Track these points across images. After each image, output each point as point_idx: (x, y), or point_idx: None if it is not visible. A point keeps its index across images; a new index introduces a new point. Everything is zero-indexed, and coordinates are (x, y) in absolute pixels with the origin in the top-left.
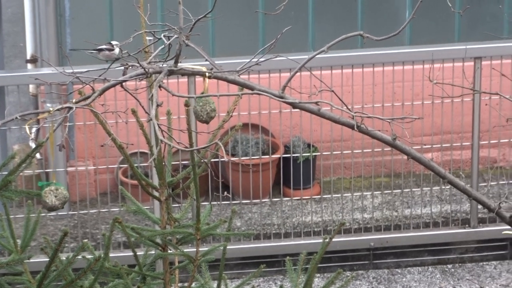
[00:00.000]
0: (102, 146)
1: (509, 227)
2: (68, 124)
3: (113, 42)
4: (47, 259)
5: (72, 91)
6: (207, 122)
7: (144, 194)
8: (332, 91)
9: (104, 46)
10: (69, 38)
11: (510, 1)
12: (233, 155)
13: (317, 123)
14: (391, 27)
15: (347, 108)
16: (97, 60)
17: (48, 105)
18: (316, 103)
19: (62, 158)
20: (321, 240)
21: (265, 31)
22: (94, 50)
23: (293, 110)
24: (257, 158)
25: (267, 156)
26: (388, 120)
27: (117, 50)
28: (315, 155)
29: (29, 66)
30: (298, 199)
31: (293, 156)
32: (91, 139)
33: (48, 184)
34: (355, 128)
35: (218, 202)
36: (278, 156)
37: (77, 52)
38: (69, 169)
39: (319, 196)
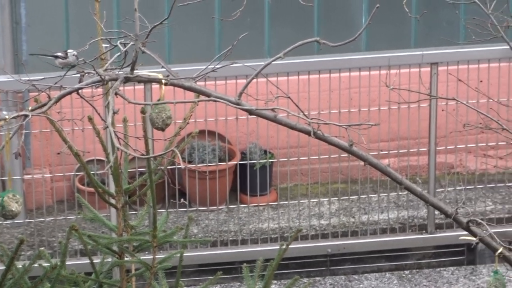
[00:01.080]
0: (58, 153)
1: (466, 232)
2: (24, 131)
3: (69, 51)
4: (3, 268)
5: (28, 98)
6: (162, 130)
7: (100, 201)
8: (289, 97)
9: (59, 54)
10: (25, 46)
11: (466, 7)
12: (189, 162)
13: (274, 130)
14: (347, 33)
15: (304, 114)
16: (54, 68)
17: (4, 112)
18: (273, 109)
19: (18, 166)
20: (278, 247)
21: (222, 37)
22: (51, 56)
23: (249, 116)
24: (214, 165)
25: (224, 163)
26: (345, 127)
27: (71, 58)
28: (272, 162)
29: None
30: (255, 206)
31: (250, 163)
32: (47, 147)
33: (5, 193)
34: (312, 135)
35: (175, 209)
36: (235, 162)
37: (33, 59)
38: (26, 177)
39: (276, 203)
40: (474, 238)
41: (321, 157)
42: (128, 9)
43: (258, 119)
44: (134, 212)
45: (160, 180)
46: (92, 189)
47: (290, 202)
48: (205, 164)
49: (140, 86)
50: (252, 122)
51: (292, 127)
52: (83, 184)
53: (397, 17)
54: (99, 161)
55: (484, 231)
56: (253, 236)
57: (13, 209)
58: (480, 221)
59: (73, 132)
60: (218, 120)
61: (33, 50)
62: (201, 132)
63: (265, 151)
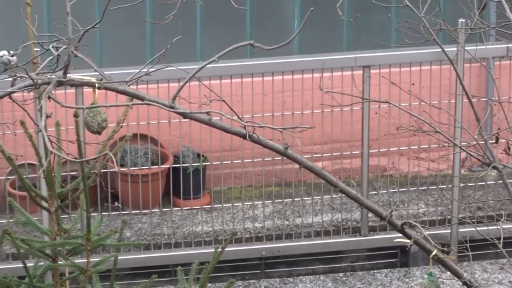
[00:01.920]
0: None
1: (400, 235)
2: None
3: (11, 52)
4: None
5: None
6: (99, 133)
7: (32, 205)
8: (223, 100)
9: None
10: None
11: (398, 10)
12: (122, 166)
13: (207, 133)
14: (279, 36)
15: (239, 117)
16: None
17: None
18: (207, 113)
19: None
20: (212, 250)
21: (153, 41)
22: None
23: (182, 120)
24: (146, 168)
25: (157, 166)
26: (280, 129)
27: (15, 58)
28: (205, 165)
29: None
30: (188, 209)
31: (183, 166)
32: None
33: None
34: (247, 138)
35: (108, 213)
36: (168, 166)
37: None
38: None
39: (209, 206)
40: (408, 241)
41: (255, 160)
42: (58, 12)
43: (191, 122)
44: (66, 216)
45: (92, 184)
46: (23, 193)
47: (224, 205)
48: (138, 168)
49: (72, 90)
50: (185, 125)
51: (227, 131)
52: (14, 188)
53: (329, 21)
54: (30, 165)
55: (419, 234)
56: (186, 239)
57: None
58: (414, 223)
59: (4, 136)
60: (150, 123)
61: None
62: (134, 136)
63: (198, 155)
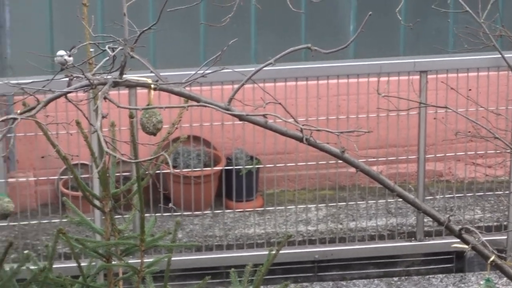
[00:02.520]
0: (42, 157)
1: (457, 240)
2: (8, 135)
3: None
4: None
5: (14, 102)
6: (154, 134)
7: (84, 205)
8: (280, 103)
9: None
10: (9, 49)
11: (456, 16)
12: (174, 167)
13: (260, 136)
14: (334, 40)
15: (295, 121)
16: (37, 71)
17: None
18: (264, 115)
19: (3, 169)
20: (264, 252)
21: (207, 43)
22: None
23: (235, 122)
24: (198, 170)
25: (209, 168)
26: (338, 133)
27: (71, 59)
28: (258, 168)
29: None
30: (240, 211)
31: (236, 169)
32: (31, 151)
33: None
34: (304, 141)
35: (160, 214)
36: (220, 168)
37: (18, 63)
38: (10, 180)
39: (262, 208)
40: (466, 246)
41: (309, 163)
42: (111, 13)
43: (245, 124)
44: (118, 216)
45: (145, 185)
46: (76, 193)
47: (277, 208)
48: (190, 169)
49: (125, 91)
50: (238, 127)
51: (283, 133)
52: (67, 188)
53: (385, 25)
54: (83, 165)
55: (476, 239)
56: (238, 242)
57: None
58: (472, 229)
59: (58, 136)
60: (203, 125)
61: (17, 54)
62: (187, 137)
63: (251, 157)
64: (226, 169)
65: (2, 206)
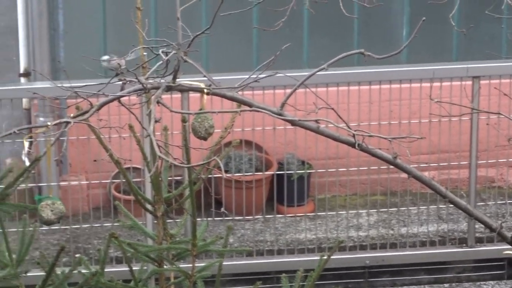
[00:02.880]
0: (95, 161)
1: (510, 247)
2: (61, 138)
3: (114, 56)
4: (42, 273)
5: (66, 105)
6: (205, 139)
7: (136, 209)
8: (332, 108)
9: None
10: (62, 52)
11: (509, 21)
12: (226, 172)
13: (312, 140)
14: (387, 45)
15: (347, 126)
16: (90, 74)
17: (42, 119)
18: (316, 121)
19: (55, 173)
20: (315, 258)
21: (260, 47)
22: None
23: (287, 127)
24: (250, 175)
25: (261, 173)
26: (390, 139)
27: (124, 62)
28: (310, 173)
29: (22, 80)
30: (292, 216)
31: (287, 173)
32: (83, 154)
33: (43, 199)
34: (356, 147)
35: (211, 218)
36: (272, 173)
37: (70, 66)
38: (62, 183)
39: (313, 214)
40: None
41: (360, 168)
42: (165, 17)
43: (296, 129)
44: (170, 221)
45: (197, 189)
46: (128, 197)
47: (328, 213)
48: (242, 174)
49: (178, 95)
50: (290, 132)
51: (335, 139)
52: (119, 192)
53: (438, 30)
54: (135, 169)
55: None
56: (289, 247)
57: (44, 215)
58: None
59: (110, 140)
60: (255, 130)
61: (70, 57)
62: (239, 142)
63: (303, 162)
64: (277, 174)
65: (58, 209)
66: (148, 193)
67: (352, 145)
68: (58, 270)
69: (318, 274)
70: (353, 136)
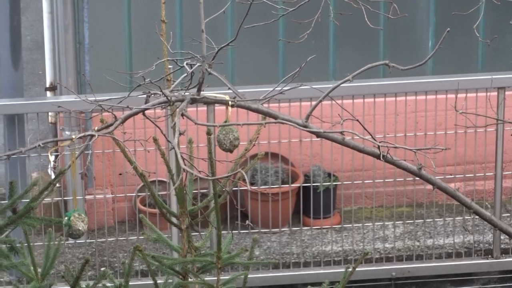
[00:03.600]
0: (120, 174)
1: None
2: (86, 152)
3: None
4: (67, 287)
5: (91, 117)
6: (230, 151)
7: (161, 222)
8: (357, 120)
9: None
10: (88, 66)
11: None
12: (252, 184)
13: (338, 152)
14: (413, 56)
15: (372, 137)
16: (115, 87)
17: (67, 133)
18: (341, 132)
19: (80, 186)
20: (341, 270)
21: (285, 59)
22: None
23: (313, 139)
24: (276, 187)
25: (287, 185)
26: (415, 150)
27: None
28: (336, 185)
29: (48, 93)
30: (318, 229)
31: (313, 185)
32: (109, 167)
33: (72, 212)
34: (381, 158)
35: (237, 231)
36: (298, 185)
37: (96, 79)
38: (87, 197)
39: (339, 226)
40: None
41: (386, 180)
42: (190, 30)
43: (323, 141)
44: (195, 234)
45: (223, 202)
46: (153, 210)
47: (354, 225)
48: (268, 186)
49: (203, 108)
50: (316, 144)
51: (360, 150)
52: (144, 205)
53: (463, 41)
54: (160, 182)
55: None
56: (316, 259)
57: (80, 228)
58: None
59: (135, 153)
60: (281, 142)
61: (96, 70)
62: (265, 154)
63: (329, 174)
64: (303, 186)
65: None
66: (174, 206)
67: (377, 156)
68: (83, 284)
69: (343, 286)
70: (378, 147)
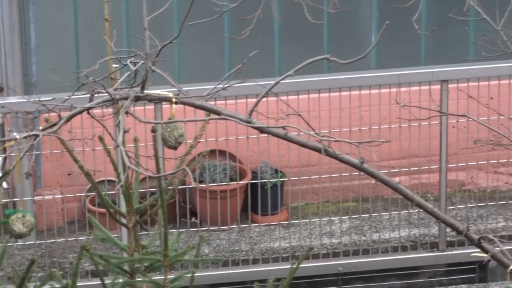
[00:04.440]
0: (69, 174)
1: (478, 249)
2: (35, 152)
3: None
4: None
5: (36, 117)
6: (175, 148)
7: (111, 222)
8: (299, 115)
9: None
10: (35, 67)
11: (476, 24)
12: (200, 182)
13: (285, 148)
14: (357, 51)
15: (314, 132)
16: (64, 88)
17: (15, 134)
18: (283, 127)
19: (29, 187)
20: (288, 266)
21: (231, 56)
22: None
23: (260, 135)
24: (224, 185)
25: (235, 183)
26: (356, 144)
27: None
28: (283, 181)
29: None
30: (266, 225)
31: (261, 182)
32: (58, 168)
33: (15, 212)
34: (323, 152)
35: (186, 229)
36: (246, 182)
37: (43, 80)
38: (36, 198)
39: (287, 222)
40: (485, 255)
41: (332, 175)
42: (137, 28)
43: (269, 138)
44: (144, 233)
45: (171, 200)
46: (103, 210)
47: (301, 221)
48: (216, 184)
49: (151, 106)
50: (263, 141)
51: (303, 145)
52: (94, 205)
53: (407, 35)
54: (110, 181)
55: (496, 248)
56: (264, 256)
57: (16, 229)
58: (491, 237)
59: (83, 153)
60: (228, 139)
61: (43, 71)
62: (212, 152)
63: (276, 170)
64: (251, 183)
65: (29, 221)
66: (123, 205)
67: (319, 150)
68: (31, 285)
69: (289, 282)
70: (320, 141)
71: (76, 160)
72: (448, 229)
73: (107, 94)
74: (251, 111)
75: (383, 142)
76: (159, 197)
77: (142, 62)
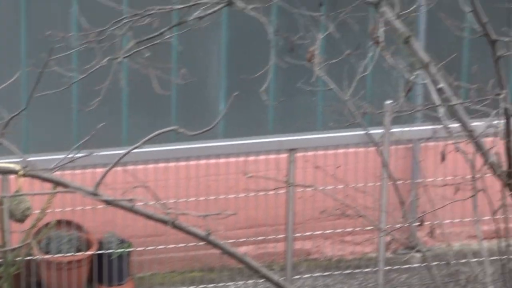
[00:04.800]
0: None
1: None
2: None
3: None
4: None
5: None
6: (22, 221)
7: None
8: (147, 186)
9: None
10: None
11: (324, 93)
12: (46, 253)
13: (131, 218)
14: (206, 120)
15: (162, 204)
16: None
17: None
18: (130, 200)
19: None
20: None
21: (80, 126)
22: None
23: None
24: (70, 255)
25: (81, 253)
26: (203, 216)
27: None
28: (129, 251)
29: None
30: None
31: (107, 253)
32: None
33: None
34: (170, 225)
35: None
36: (91, 252)
37: None
38: None
39: None
40: None
41: (179, 245)
42: None
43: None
44: None
45: (17, 272)
46: None
47: None
48: (62, 255)
49: None
50: (110, 211)
51: (150, 217)
52: None
53: (255, 104)
54: None
55: None
56: None
57: None
58: None
59: None
60: (75, 209)
61: None
62: (59, 222)
63: (122, 240)
64: (98, 253)
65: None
66: None
67: (166, 223)
68: None
69: None
70: (167, 214)
71: None
72: None
73: None
74: (98, 184)
75: (230, 215)
76: (5, 270)
77: None
